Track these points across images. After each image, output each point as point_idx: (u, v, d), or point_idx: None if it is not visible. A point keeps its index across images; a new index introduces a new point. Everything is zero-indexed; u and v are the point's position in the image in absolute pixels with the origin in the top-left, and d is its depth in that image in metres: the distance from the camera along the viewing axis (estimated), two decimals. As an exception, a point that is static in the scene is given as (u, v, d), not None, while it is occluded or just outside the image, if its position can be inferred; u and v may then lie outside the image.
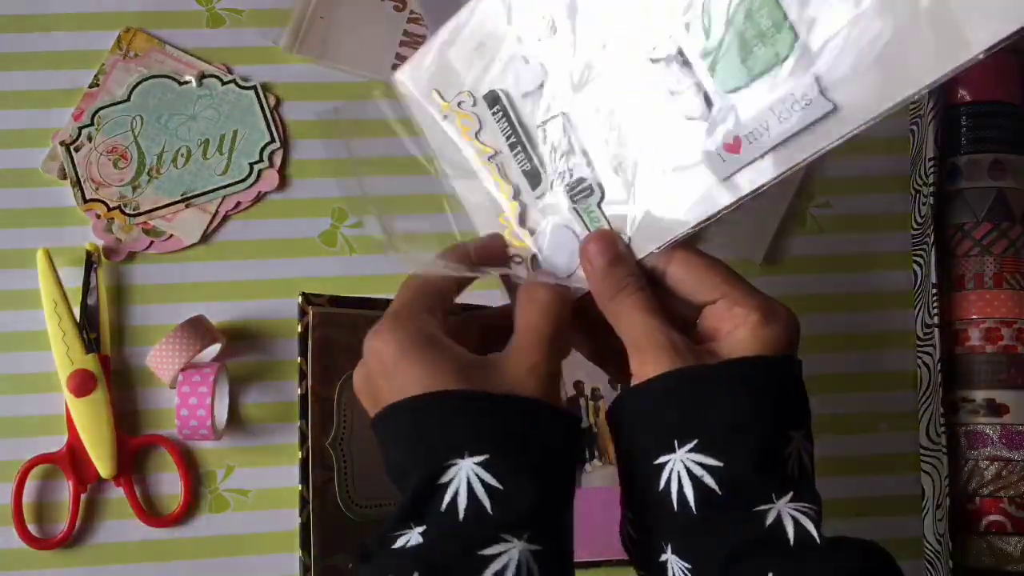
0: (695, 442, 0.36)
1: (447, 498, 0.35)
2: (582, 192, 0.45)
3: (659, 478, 0.37)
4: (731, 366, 0.38)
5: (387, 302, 0.59)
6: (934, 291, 0.61)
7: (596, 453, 0.62)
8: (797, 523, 0.35)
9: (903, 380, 0.66)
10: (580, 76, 0.46)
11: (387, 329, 0.39)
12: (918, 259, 0.65)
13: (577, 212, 0.46)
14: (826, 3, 0.37)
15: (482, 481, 0.35)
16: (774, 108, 0.39)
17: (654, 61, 0.42)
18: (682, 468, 0.36)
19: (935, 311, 0.61)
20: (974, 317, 0.62)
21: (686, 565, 0.36)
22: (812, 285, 0.67)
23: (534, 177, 0.47)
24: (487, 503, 0.35)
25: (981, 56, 0.34)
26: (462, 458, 0.36)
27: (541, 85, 0.46)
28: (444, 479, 0.35)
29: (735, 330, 0.39)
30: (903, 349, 0.66)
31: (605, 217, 0.44)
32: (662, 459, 0.37)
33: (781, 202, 0.67)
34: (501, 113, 0.47)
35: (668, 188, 0.42)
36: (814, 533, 0.35)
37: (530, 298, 0.41)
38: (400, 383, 0.38)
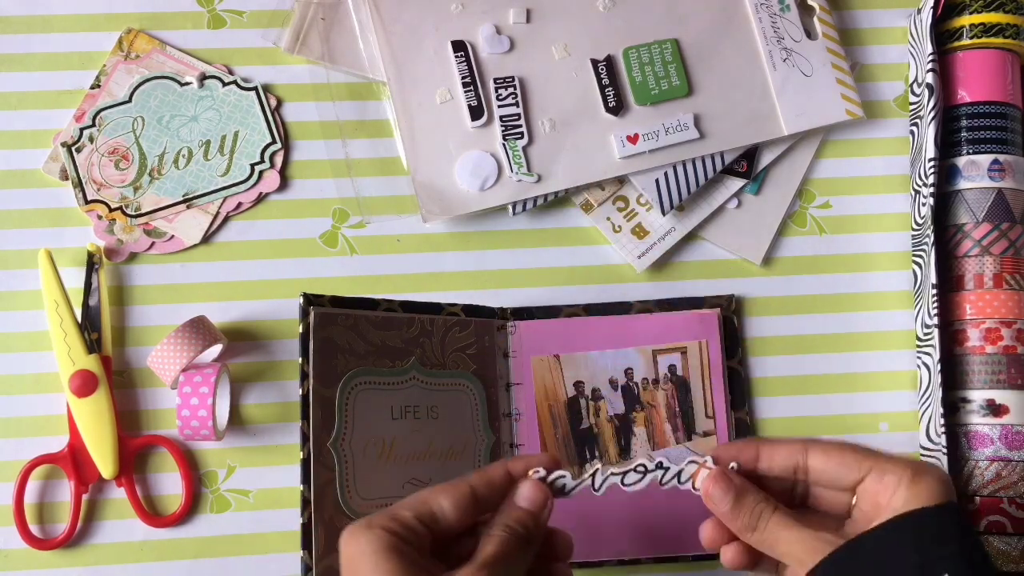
0: None
1: None
2: (514, 134, 0.63)
3: None
4: (897, 523, 0.40)
5: (388, 302, 0.60)
6: (934, 291, 0.61)
7: (596, 453, 0.62)
8: None
9: (903, 380, 0.66)
10: (539, 59, 0.65)
11: (357, 530, 0.42)
12: (918, 259, 0.65)
13: (505, 149, 0.63)
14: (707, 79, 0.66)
15: None
16: (665, 123, 0.64)
17: (596, 63, 0.65)
18: None
19: (935, 311, 0.61)
20: (974, 317, 0.62)
21: None
22: (812, 285, 0.67)
23: (477, 111, 0.64)
24: None
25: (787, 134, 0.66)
26: None
27: (506, 52, 0.64)
28: None
29: (893, 496, 0.41)
30: (903, 349, 0.66)
31: (527, 160, 0.63)
32: None
33: (781, 203, 0.67)
34: (463, 57, 0.64)
35: (582, 152, 0.64)
36: None
37: (512, 531, 0.44)
38: None
